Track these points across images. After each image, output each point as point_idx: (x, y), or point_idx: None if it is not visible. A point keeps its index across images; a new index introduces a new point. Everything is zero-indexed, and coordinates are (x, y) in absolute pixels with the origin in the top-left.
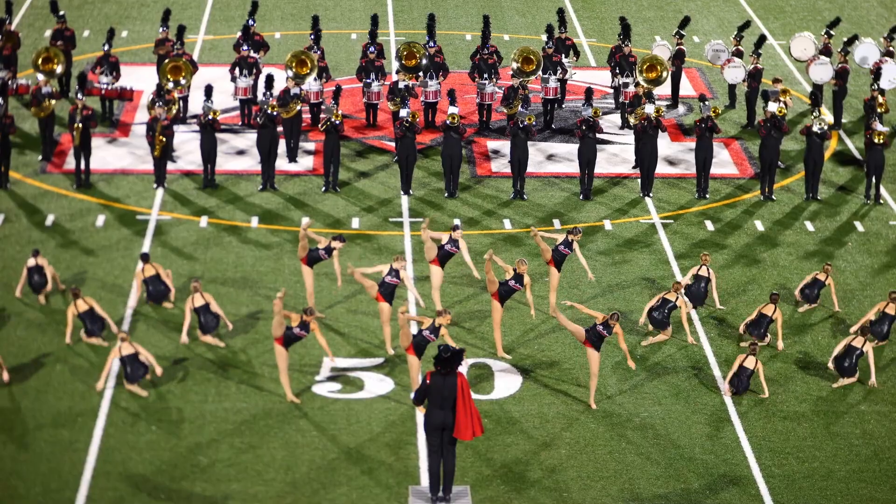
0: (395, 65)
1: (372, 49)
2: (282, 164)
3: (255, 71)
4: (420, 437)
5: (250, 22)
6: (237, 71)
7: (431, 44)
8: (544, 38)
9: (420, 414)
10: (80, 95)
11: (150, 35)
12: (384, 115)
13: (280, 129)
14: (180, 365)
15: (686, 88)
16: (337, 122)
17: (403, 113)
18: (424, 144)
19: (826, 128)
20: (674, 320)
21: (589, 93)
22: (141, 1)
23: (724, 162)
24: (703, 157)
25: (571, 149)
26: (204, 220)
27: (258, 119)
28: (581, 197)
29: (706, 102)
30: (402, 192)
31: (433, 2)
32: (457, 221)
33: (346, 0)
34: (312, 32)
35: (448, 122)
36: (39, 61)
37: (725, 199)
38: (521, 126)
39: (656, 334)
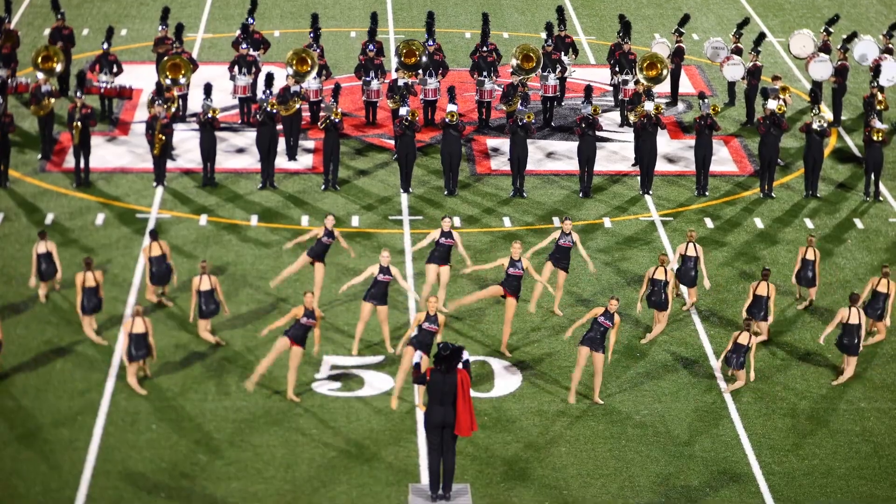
0: (394, 63)
1: (371, 47)
2: (281, 162)
3: (254, 69)
4: (420, 434)
5: (249, 20)
6: (236, 69)
7: (431, 42)
8: (544, 35)
9: (420, 412)
10: (79, 94)
11: (149, 33)
12: (384, 113)
13: (280, 127)
14: (180, 363)
15: (685, 86)
16: (336, 120)
17: (403, 111)
18: (424, 142)
19: (825, 125)
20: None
21: (588, 90)
22: None
23: (723, 159)
24: (703, 155)
25: (571, 146)
26: (203, 219)
27: (258, 117)
28: (581, 195)
29: (705, 100)
30: (401, 190)
31: (433, 0)
32: (447, 219)
33: None
34: (312, 30)
35: (447, 120)
36: (39, 60)
37: (725, 196)
38: (520, 124)
39: (651, 331)
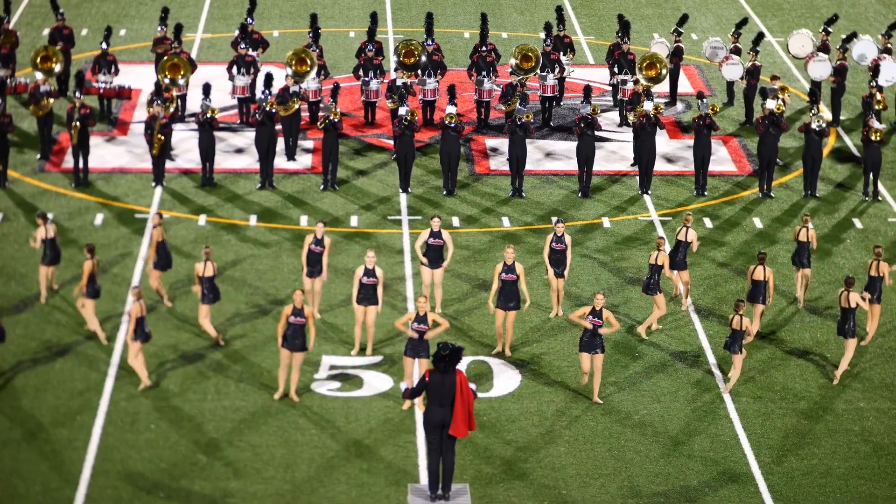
0: (393, 62)
1: (370, 47)
2: (280, 162)
3: (253, 69)
4: (419, 434)
5: (248, 20)
6: (235, 69)
7: (430, 42)
8: (542, 35)
9: (419, 412)
10: (78, 94)
11: (148, 33)
12: (383, 113)
13: (279, 127)
14: (179, 364)
15: (684, 86)
16: (335, 120)
17: (402, 111)
18: (423, 142)
19: (824, 125)
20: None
21: (588, 90)
22: None
23: (722, 159)
24: (702, 155)
25: (570, 146)
26: (202, 219)
27: (257, 117)
28: (580, 194)
29: (704, 100)
30: (400, 190)
31: (431, 0)
32: (436, 219)
33: None
34: (311, 31)
35: (445, 121)
36: (38, 60)
37: (724, 196)
38: (519, 124)
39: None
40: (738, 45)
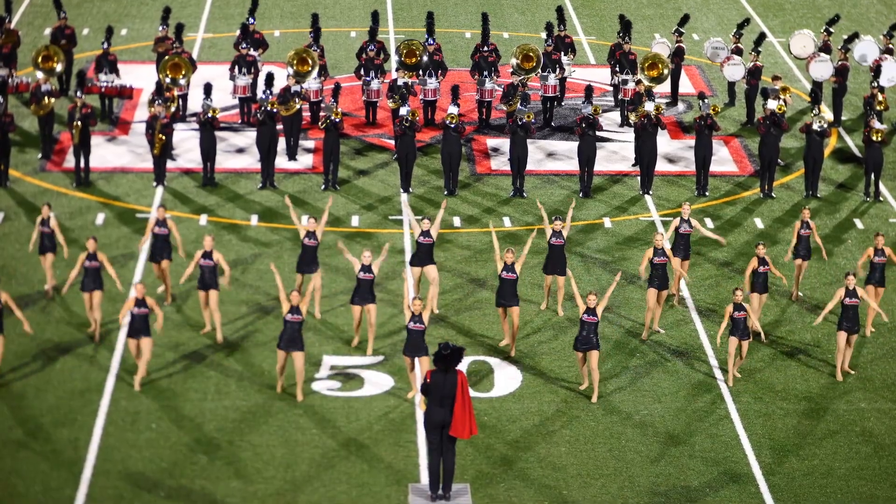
0: (394, 62)
1: (372, 47)
2: (281, 161)
3: (254, 69)
4: (420, 434)
5: (250, 20)
6: (236, 69)
7: (431, 41)
8: (544, 35)
9: (420, 412)
10: (79, 93)
11: (149, 33)
12: (384, 112)
13: (280, 126)
14: (180, 363)
15: (686, 86)
16: (337, 119)
17: (403, 111)
18: (424, 142)
19: (826, 125)
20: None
21: (589, 90)
22: None
23: (723, 159)
24: (703, 155)
25: (571, 146)
26: (203, 219)
27: (258, 116)
28: (581, 195)
29: (706, 100)
30: (401, 190)
31: (433, 0)
32: (426, 220)
33: None
34: (312, 30)
35: (447, 122)
36: (39, 59)
37: (725, 196)
38: (520, 124)
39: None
40: (739, 45)
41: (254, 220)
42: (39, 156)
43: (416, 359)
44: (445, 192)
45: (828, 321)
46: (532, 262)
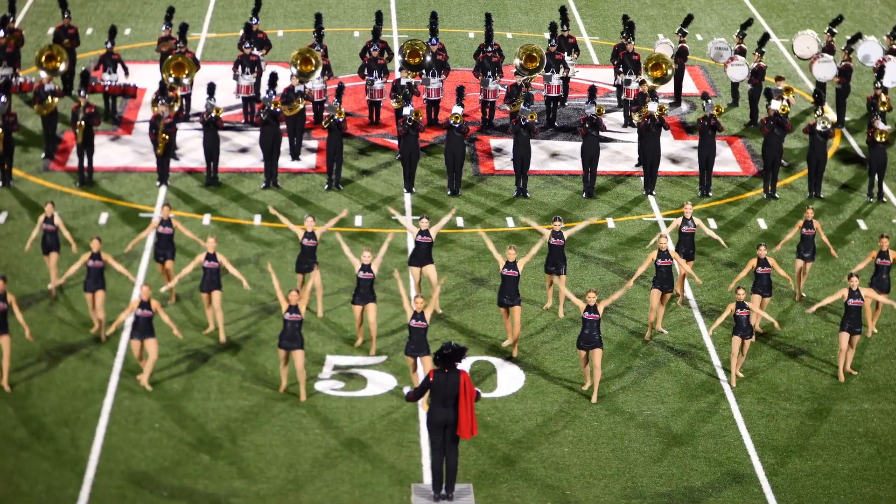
0: (397, 62)
1: (375, 47)
2: (285, 161)
3: (257, 69)
4: (423, 434)
5: (253, 20)
6: (239, 69)
7: (434, 41)
8: (547, 35)
9: (423, 412)
10: (83, 93)
11: (152, 33)
12: (387, 112)
13: (283, 126)
14: (183, 363)
15: (689, 86)
16: (340, 119)
17: (406, 111)
18: (427, 142)
19: (829, 126)
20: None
21: (592, 91)
22: None
23: (726, 160)
24: (706, 156)
25: (574, 147)
26: (207, 218)
27: (261, 116)
28: (584, 195)
29: (709, 100)
30: (404, 190)
31: (436, 0)
32: (425, 219)
33: None
34: (315, 30)
35: (451, 121)
36: (42, 59)
37: (728, 197)
38: (523, 124)
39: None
40: (742, 45)
41: (257, 219)
42: (43, 155)
43: (419, 358)
44: (448, 193)
45: (830, 321)
46: (533, 263)
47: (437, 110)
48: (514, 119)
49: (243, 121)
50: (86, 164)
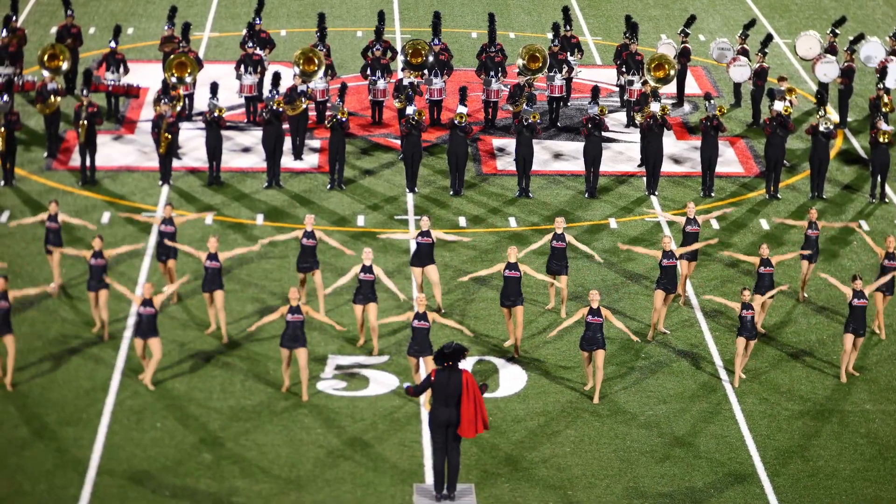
0: (399, 62)
1: (378, 47)
2: (287, 161)
3: (260, 68)
4: (425, 434)
5: (256, 19)
6: (242, 68)
7: (436, 41)
8: (550, 36)
9: (425, 411)
10: (85, 92)
11: (155, 32)
12: (390, 112)
13: (286, 126)
14: (185, 363)
15: (692, 87)
16: (343, 119)
17: (409, 111)
18: (430, 142)
19: (832, 127)
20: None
21: (595, 91)
22: None
23: (729, 160)
24: (709, 156)
25: (577, 147)
26: (209, 218)
27: (264, 116)
28: (586, 195)
29: (712, 101)
30: (407, 190)
31: (439, 0)
32: (425, 219)
33: None
34: (318, 30)
35: (456, 121)
36: (45, 58)
37: (731, 197)
38: (525, 124)
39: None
40: (745, 46)
41: (259, 219)
42: (45, 154)
43: (421, 358)
44: (451, 193)
45: (833, 322)
46: (535, 263)
47: (439, 110)
48: (516, 119)
49: (246, 120)
50: (88, 163)
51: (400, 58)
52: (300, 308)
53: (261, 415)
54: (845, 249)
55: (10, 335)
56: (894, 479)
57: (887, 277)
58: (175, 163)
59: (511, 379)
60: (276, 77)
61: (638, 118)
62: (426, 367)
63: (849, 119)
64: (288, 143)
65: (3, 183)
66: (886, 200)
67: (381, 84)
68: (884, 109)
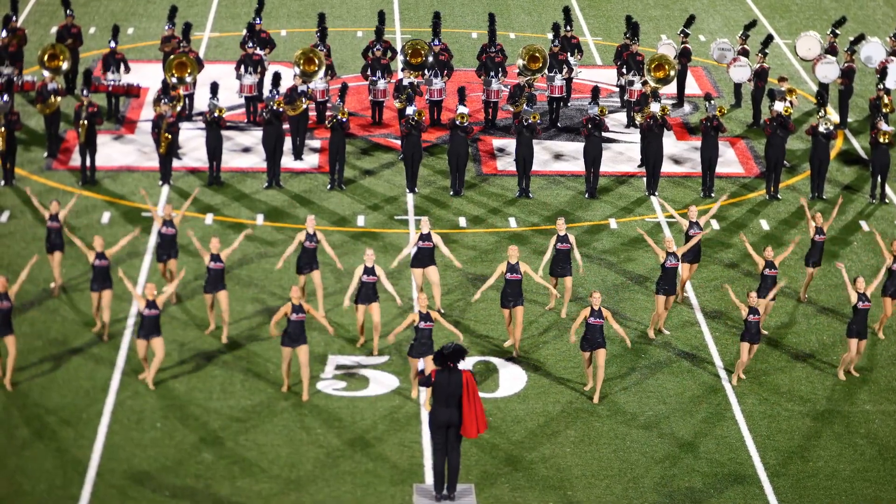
0: (399, 62)
1: (378, 47)
2: (287, 161)
3: (260, 68)
4: (425, 434)
5: (256, 19)
6: (242, 68)
7: (436, 42)
8: (550, 36)
9: (425, 411)
10: (85, 92)
11: (156, 32)
12: (390, 112)
13: (286, 126)
14: (185, 363)
15: (692, 87)
16: (343, 119)
17: (409, 111)
18: (430, 142)
19: (832, 127)
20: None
21: (595, 91)
22: None
23: (729, 161)
24: (709, 156)
25: (577, 147)
26: (209, 218)
27: (264, 116)
28: (586, 195)
29: (712, 101)
30: (407, 190)
31: (439, 0)
32: (426, 221)
33: None
34: (318, 30)
35: (457, 121)
36: (45, 58)
37: (731, 197)
38: (525, 124)
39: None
40: (745, 46)
41: (259, 219)
42: (45, 154)
43: (422, 359)
44: (452, 193)
45: (834, 322)
46: (536, 264)
47: (439, 110)
48: (516, 119)
49: (246, 120)
50: (88, 163)
51: (399, 58)
52: (302, 307)
53: (261, 415)
54: (845, 250)
55: (10, 336)
56: (894, 480)
57: None
58: (175, 163)
59: (511, 379)
60: (277, 77)
61: (638, 118)
62: (427, 367)
63: (849, 120)
64: (288, 143)
65: (3, 183)
66: (887, 201)
67: (381, 84)
68: (884, 110)
